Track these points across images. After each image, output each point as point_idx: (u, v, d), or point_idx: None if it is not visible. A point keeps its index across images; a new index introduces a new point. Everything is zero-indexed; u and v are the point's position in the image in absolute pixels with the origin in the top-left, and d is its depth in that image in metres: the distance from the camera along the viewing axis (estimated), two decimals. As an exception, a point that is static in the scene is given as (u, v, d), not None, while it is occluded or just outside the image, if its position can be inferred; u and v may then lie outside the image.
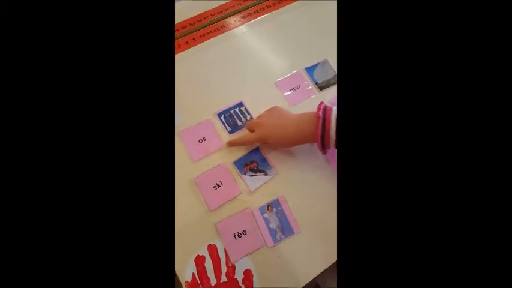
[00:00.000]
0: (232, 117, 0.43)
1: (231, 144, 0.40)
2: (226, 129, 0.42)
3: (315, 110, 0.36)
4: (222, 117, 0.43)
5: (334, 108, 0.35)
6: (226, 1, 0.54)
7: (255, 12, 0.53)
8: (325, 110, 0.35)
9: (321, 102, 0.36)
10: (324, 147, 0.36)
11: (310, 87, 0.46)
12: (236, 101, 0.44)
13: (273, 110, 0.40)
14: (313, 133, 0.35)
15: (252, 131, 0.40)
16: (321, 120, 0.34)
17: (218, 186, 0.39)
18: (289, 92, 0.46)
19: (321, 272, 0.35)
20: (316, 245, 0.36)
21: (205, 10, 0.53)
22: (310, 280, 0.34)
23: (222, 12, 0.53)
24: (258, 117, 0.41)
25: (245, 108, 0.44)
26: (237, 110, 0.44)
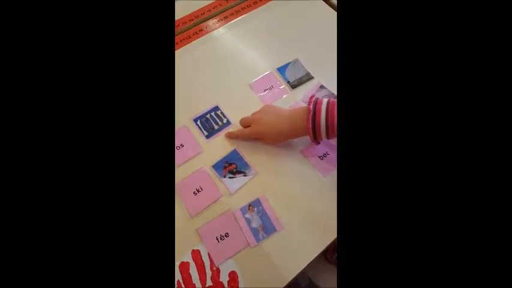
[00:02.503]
0: (208, 122, 0.44)
1: (229, 135, 0.42)
2: (203, 133, 0.43)
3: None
4: (198, 122, 0.43)
5: (325, 100, 0.36)
6: (203, 5, 0.55)
7: (224, 18, 0.54)
8: (316, 103, 0.36)
9: (312, 96, 0.37)
10: (316, 138, 0.37)
11: (283, 86, 0.47)
12: (212, 105, 0.45)
13: (266, 107, 0.42)
14: (305, 126, 0.36)
15: (246, 126, 0.41)
16: (311, 114, 0.36)
17: (198, 191, 0.39)
18: (264, 93, 0.46)
19: (310, 269, 0.36)
20: (299, 240, 0.37)
21: (182, 17, 0.53)
22: (295, 275, 0.35)
23: (198, 16, 0.54)
24: (253, 114, 0.42)
25: (221, 112, 0.44)
26: (213, 114, 0.44)
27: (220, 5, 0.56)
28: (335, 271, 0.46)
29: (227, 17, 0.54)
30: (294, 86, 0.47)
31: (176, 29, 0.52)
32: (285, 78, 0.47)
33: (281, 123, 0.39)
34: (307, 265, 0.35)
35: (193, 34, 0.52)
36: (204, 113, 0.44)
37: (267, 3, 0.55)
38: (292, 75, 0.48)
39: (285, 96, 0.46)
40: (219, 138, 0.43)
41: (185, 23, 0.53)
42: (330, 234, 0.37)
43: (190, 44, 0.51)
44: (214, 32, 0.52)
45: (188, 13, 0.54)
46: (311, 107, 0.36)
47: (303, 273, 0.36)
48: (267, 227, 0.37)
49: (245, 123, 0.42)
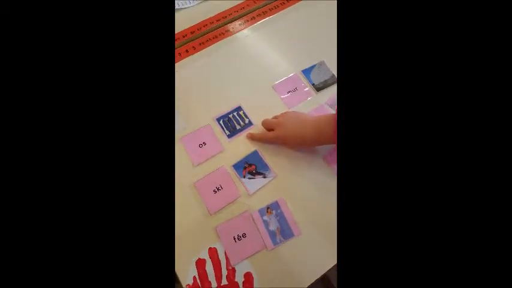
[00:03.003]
0: (231, 122, 0.44)
1: (251, 137, 0.42)
2: (225, 133, 0.43)
3: (333, 112, 0.36)
4: (221, 122, 0.44)
5: None
6: (225, 9, 0.55)
7: (251, 18, 0.54)
8: None
9: None
10: None
11: (307, 88, 0.46)
12: (234, 106, 0.45)
13: (290, 113, 0.41)
14: (331, 135, 0.35)
15: (269, 130, 0.41)
16: None
17: (218, 189, 0.39)
18: (287, 95, 0.46)
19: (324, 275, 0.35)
20: (317, 247, 0.36)
21: (205, 19, 0.54)
22: (311, 283, 0.34)
23: (220, 20, 0.54)
24: (275, 117, 0.42)
25: (243, 112, 0.45)
26: (235, 114, 0.45)
27: (248, 5, 0.56)
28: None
29: (254, 18, 0.54)
30: (318, 88, 0.46)
31: (202, 30, 0.53)
32: (310, 81, 0.47)
33: (305, 130, 0.38)
34: (323, 275, 0.35)
35: (220, 34, 0.53)
36: (227, 112, 0.45)
37: (295, 4, 0.55)
38: (317, 77, 0.47)
39: (309, 98, 0.45)
40: (241, 138, 0.43)
41: (212, 23, 0.54)
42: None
43: (216, 44, 0.51)
44: (239, 34, 0.52)
45: (216, 13, 0.55)
46: None
47: (317, 281, 0.35)
48: (284, 231, 0.36)
49: (268, 126, 0.42)
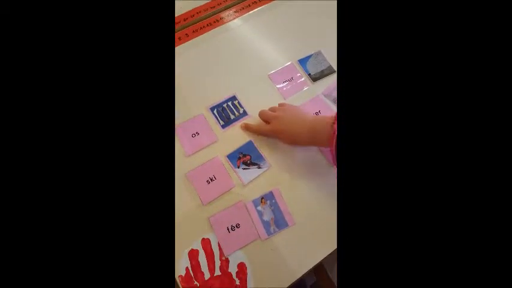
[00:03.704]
0: (225, 111, 0.43)
1: (246, 127, 0.41)
2: (219, 123, 0.42)
3: (331, 115, 0.35)
4: (215, 112, 0.43)
5: None
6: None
7: (247, 6, 0.53)
8: None
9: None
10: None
11: (303, 78, 0.45)
12: (229, 95, 0.44)
13: (290, 107, 0.41)
14: (325, 140, 0.34)
15: (266, 121, 0.40)
16: (336, 136, 0.32)
17: (211, 180, 0.38)
18: (283, 85, 0.45)
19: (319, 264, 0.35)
20: (311, 237, 0.36)
21: (199, 5, 0.53)
22: (304, 273, 0.34)
23: (214, 7, 0.53)
24: (271, 109, 0.41)
25: (238, 102, 0.44)
26: (229, 103, 0.44)
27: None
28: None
29: (250, 5, 0.53)
30: (315, 79, 0.45)
31: (193, 18, 0.52)
32: (306, 71, 0.46)
33: (301, 130, 0.37)
34: (317, 264, 0.35)
35: (214, 22, 0.51)
36: (221, 102, 0.44)
37: (291, -7, 0.53)
38: (314, 67, 0.46)
39: (305, 88, 0.45)
40: (235, 128, 0.42)
41: (206, 10, 0.53)
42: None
43: (208, 32, 0.50)
44: (234, 22, 0.51)
45: (206, 2, 0.53)
46: (336, 127, 0.33)
47: (309, 271, 0.35)
48: (278, 221, 0.36)
49: (265, 118, 0.41)
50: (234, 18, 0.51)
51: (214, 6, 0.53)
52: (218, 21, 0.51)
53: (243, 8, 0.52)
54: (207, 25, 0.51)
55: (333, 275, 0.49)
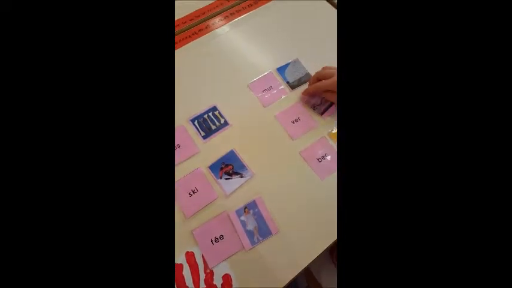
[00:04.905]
0: (206, 122, 0.43)
1: (306, 92, 0.43)
2: (200, 134, 0.42)
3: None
4: (196, 123, 0.43)
5: None
6: (204, 5, 0.54)
7: (231, 14, 0.54)
8: None
9: None
10: None
11: (282, 87, 0.46)
12: (210, 106, 0.44)
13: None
14: None
15: (324, 79, 0.41)
16: None
17: (194, 192, 0.38)
18: (262, 93, 0.46)
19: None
20: (295, 244, 0.36)
21: (184, 15, 0.53)
22: (289, 281, 0.34)
23: (192, 19, 0.53)
24: (328, 69, 0.42)
25: (219, 112, 0.44)
26: (210, 114, 0.44)
27: (221, 4, 0.55)
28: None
29: (228, 17, 0.54)
30: (293, 86, 0.46)
31: (175, 29, 0.52)
32: (284, 79, 0.47)
33: None
34: (302, 271, 0.35)
35: (193, 34, 0.52)
36: (201, 113, 0.44)
37: (267, 4, 0.55)
38: (292, 75, 0.47)
39: (283, 96, 0.45)
40: (216, 138, 0.42)
41: (185, 22, 0.53)
42: (327, 239, 0.36)
43: (189, 44, 0.50)
44: (213, 33, 0.52)
45: (188, 13, 0.54)
46: None
47: (301, 277, 0.35)
48: (262, 230, 0.36)
49: (324, 77, 0.42)
50: (215, 29, 0.52)
51: (192, 19, 0.54)
52: (197, 33, 0.52)
53: (225, 18, 0.53)
54: (188, 36, 0.51)
55: (319, 278, 0.49)
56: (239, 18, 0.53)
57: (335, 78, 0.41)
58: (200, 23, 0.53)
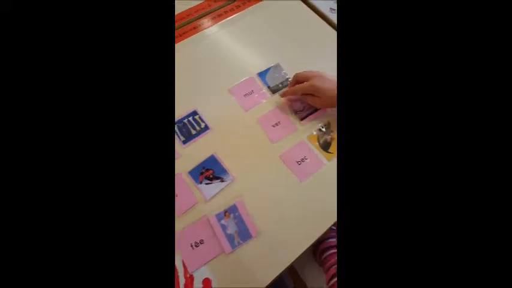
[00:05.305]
0: (186, 127, 0.43)
1: (284, 94, 0.45)
2: (180, 139, 0.42)
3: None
4: (176, 128, 0.43)
5: None
6: (188, 7, 0.54)
7: (212, 18, 0.54)
8: None
9: None
10: None
11: (263, 91, 0.47)
12: (190, 110, 0.44)
13: (322, 72, 0.43)
14: None
15: (301, 82, 0.43)
16: None
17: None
18: (243, 98, 0.46)
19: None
20: (276, 245, 0.36)
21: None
22: (269, 282, 0.35)
23: (183, 18, 0.53)
24: (306, 72, 0.43)
25: (199, 117, 0.44)
26: (190, 119, 0.44)
27: (202, 8, 0.55)
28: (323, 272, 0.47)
29: (215, 18, 0.54)
30: (274, 90, 0.47)
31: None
32: (265, 83, 0.47)
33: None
34: (283, 272, 0.35)
35: (177, 36, 0.52)
36: (181, 117, 0.44)
37: (249, 8, 0.55)
38: (273, 80, 0.48)
39: (264, 101, 0.46)
40: (197, 143, 0.42)
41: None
42: (307, 240, 0.37)
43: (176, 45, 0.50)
44: (196, 36, 0.52)
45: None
46: None
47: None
48: (243, 233, 0.37)
49: (303, 79, 0.43)
50: (195, 33, 0.52)
51: (183, 18, 0.53)
52: (182, 35, 0.52)
53: (203, 24, 0.53)
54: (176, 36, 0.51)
55: (305, 278, 0.50)
56: (220, 22, 0.54)
57: (312, 81, 0.41)
58: (182, 27, 0.53)
